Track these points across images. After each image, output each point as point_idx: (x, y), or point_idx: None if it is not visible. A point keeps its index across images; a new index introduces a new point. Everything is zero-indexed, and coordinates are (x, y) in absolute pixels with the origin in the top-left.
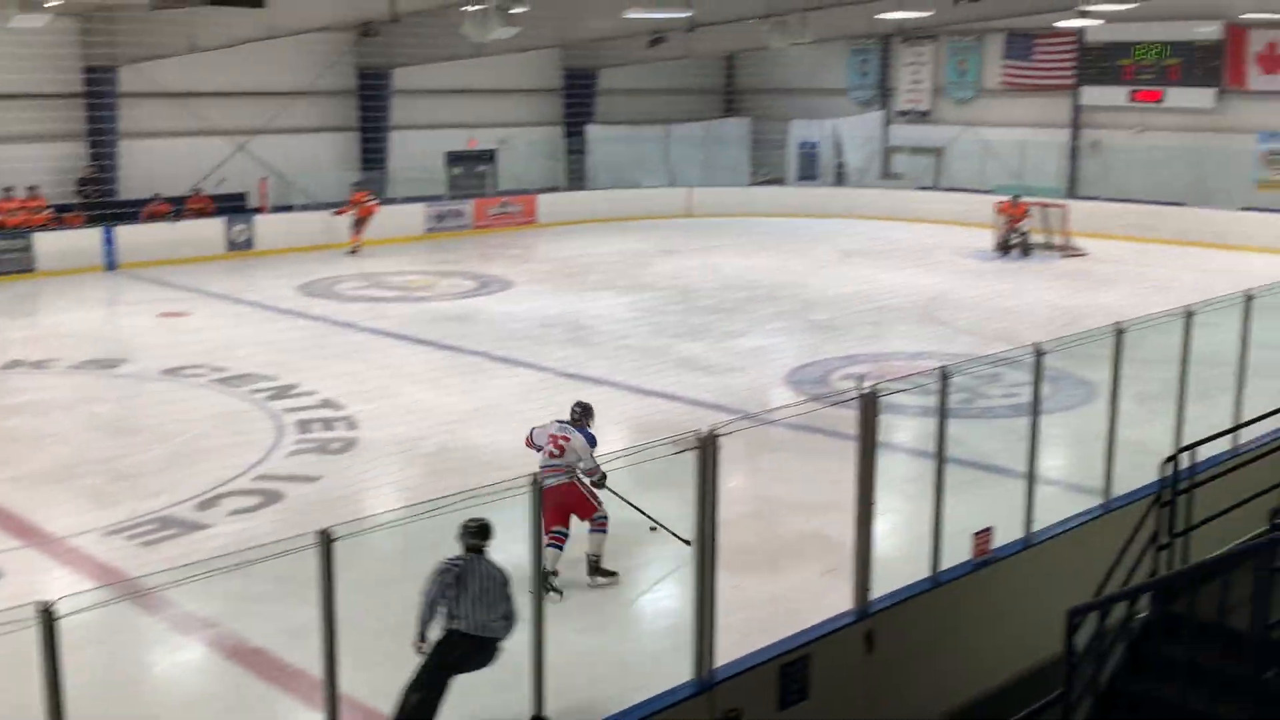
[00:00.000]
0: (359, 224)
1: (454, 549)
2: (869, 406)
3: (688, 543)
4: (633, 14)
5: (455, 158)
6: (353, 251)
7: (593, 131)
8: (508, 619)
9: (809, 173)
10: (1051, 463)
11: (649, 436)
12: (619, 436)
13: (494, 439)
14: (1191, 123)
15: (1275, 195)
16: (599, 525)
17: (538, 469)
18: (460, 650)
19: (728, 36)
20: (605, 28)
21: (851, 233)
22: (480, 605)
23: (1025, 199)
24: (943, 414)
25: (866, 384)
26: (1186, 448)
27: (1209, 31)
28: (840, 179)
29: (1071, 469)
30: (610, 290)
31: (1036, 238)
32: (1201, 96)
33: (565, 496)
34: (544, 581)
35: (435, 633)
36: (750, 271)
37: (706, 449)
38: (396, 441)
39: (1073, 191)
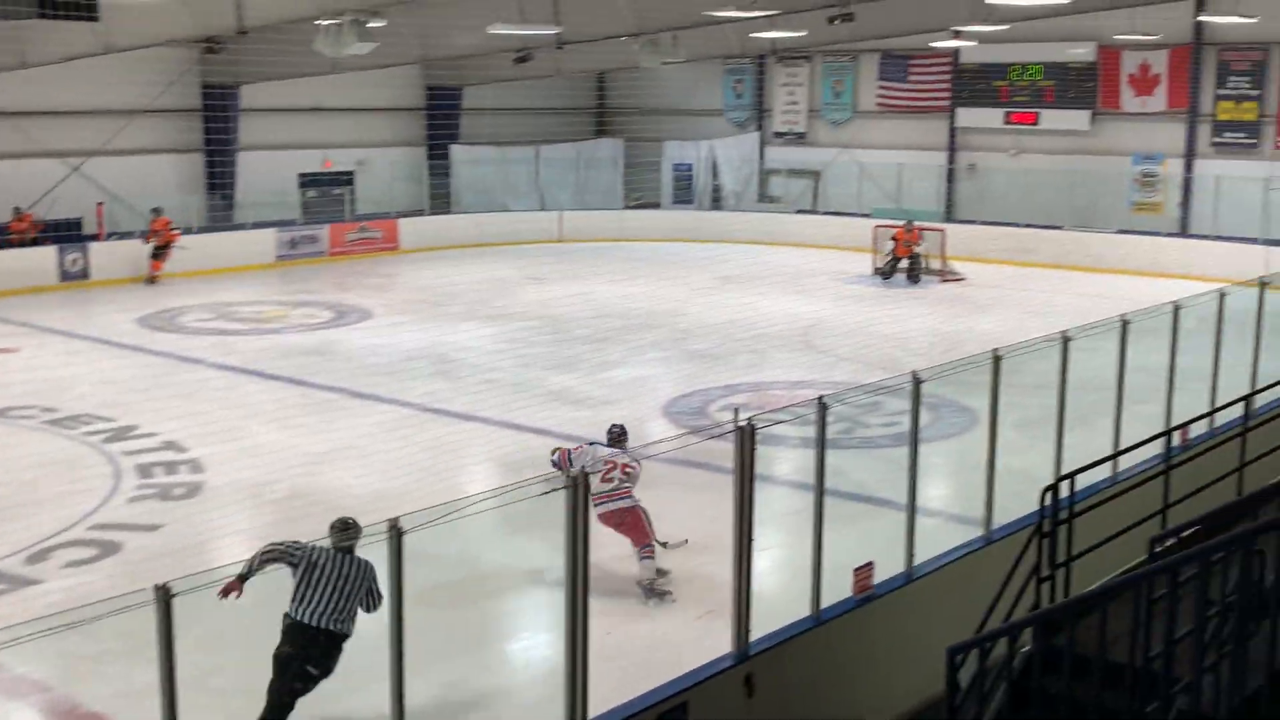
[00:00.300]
0: (159, 253)
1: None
2: (746, 439)
3: (664, 545)
4: (498, 30)
5: (309, 180)
6: (151, 281)
7: (457, 152)
8: (353, 617)
9: (684, 196)
10: (933, 493)
11: (518, 475)
12: (486, 476)
13: (351, 481)
14: (1067, 145)
15: (1150, 218)
16: (648, 554)
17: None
18: (299, 642)
19: (598, 54)
20: (469, 44)
21: (729, 258)
22: (329, 599)
23: (918, 223)
24: (821, 445)
25: (744, 415)
26: (1066, 476)
27: (1082, 53)
28: (716, 202)
29: (953, 499)
30: (477, 320)
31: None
32: (1076, 118)
33: (625, 519)
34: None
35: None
36: (624, 299)
37: (577, 488)
38: (245, 486)
39: (950, 215)
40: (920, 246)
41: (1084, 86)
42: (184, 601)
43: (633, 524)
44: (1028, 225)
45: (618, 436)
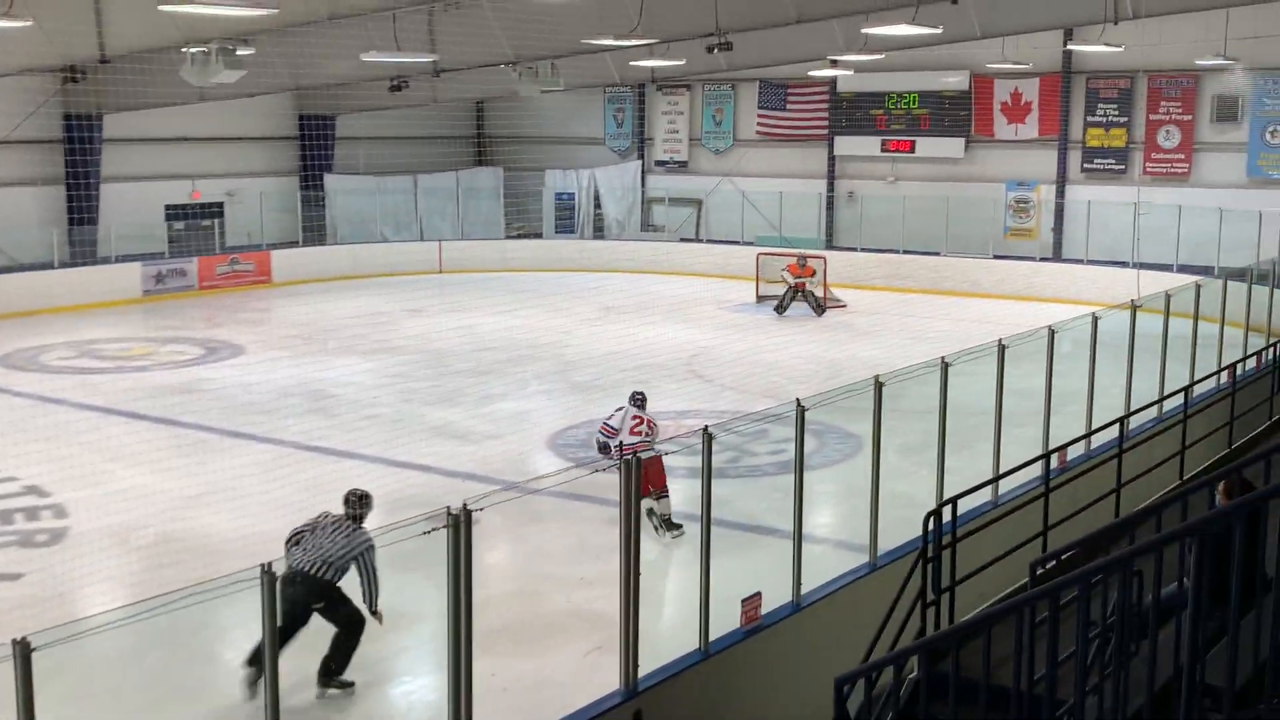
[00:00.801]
0: None
1: (181, 650)
2: (631, 472)
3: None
4: (371, 57)
5: (177, 212)
6: None
7: (332, 182)
8: (343, 573)
9: (567, 225)
10: (819, 520)
11: (400, 514)
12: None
13: (225, 524)
14: (942, 172)
15: (1024, 243)
16: (665, 494)
17: (622, 446)
18: (295, 583)
19: (475, 82)
20: (342, 71)
21: (612, 287)
22: (316, 550)
23: (808, 255)
24: (707, 475)
25: (628, 447)
26: (947, 501)
27: (956, 81)
28: (599, 231)
29: (839, 526)
30: (355, 355)
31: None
32: (951, 146)
33: (650, 468)
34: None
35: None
36: (507, 331)
37: (459, 526)
38: (112, 531)
39: (831, 242)
40: (814, 281)
41: (958, 115)
42: (47, 655)
43: (656, 471)
44: (906, 252)
45: (642, 401)
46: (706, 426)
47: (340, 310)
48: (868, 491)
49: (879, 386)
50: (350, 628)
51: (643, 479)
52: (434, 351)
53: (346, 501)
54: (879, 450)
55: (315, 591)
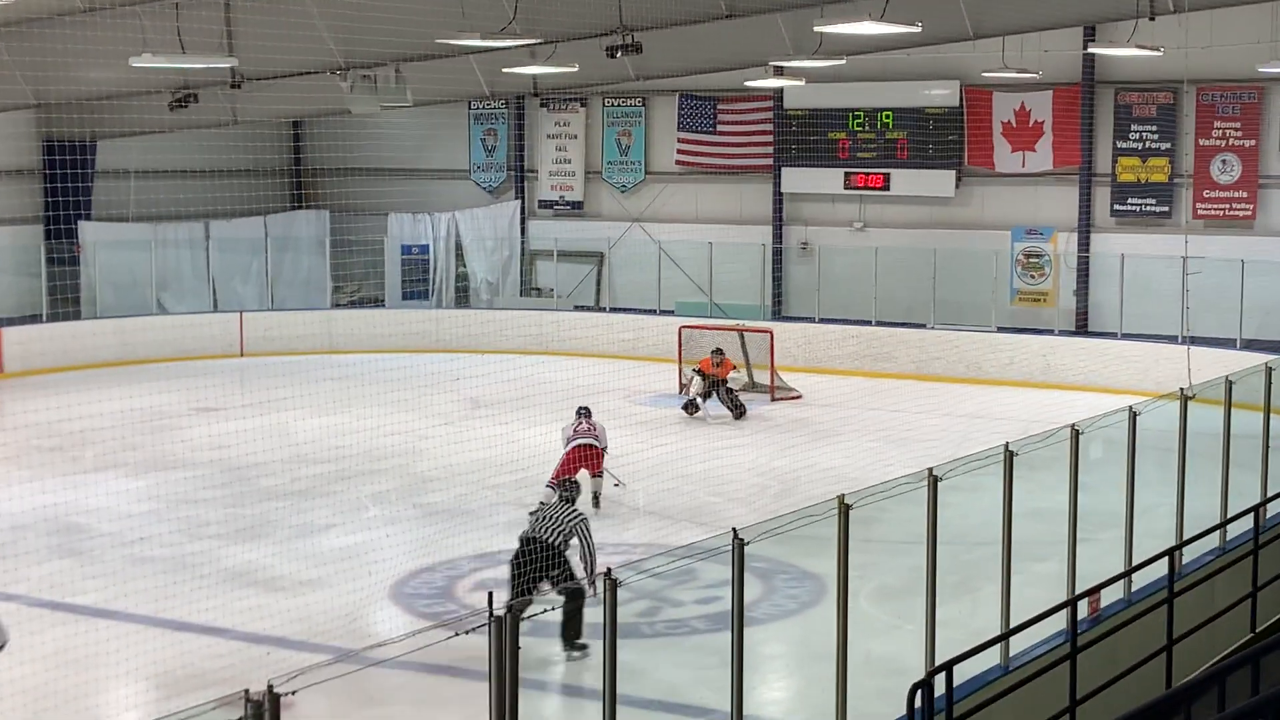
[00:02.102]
0: None
1: None
2: (506, 632)
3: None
4: (145, 62)
5: None
6: None
7: (90, 232)
8: (568, 540)
9: (418, 288)
10: (769, 695)
11: (183, 697)
12: (135, 701)
13: None
14: (927, 216)
15: (1038, 310)
16: (598, 474)
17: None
18: (530, 551)
19: (291, 96)
20: (104, 80)
21: (481, 374)
22: (546, 526)
23: (748, 329)
24: (612, 635)
25: (503, 598)
26: (941, 668)
27: (943, 95)
28: (463, 297)
29: (796, 702)
30: (119, 470)
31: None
32: (938, 181)
33: (589, 453)
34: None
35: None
36: (334, 434)
37: (262, 715)
38: None
39: (780, 310)
40: (735, 379)
41: (946, 140)
42: None
43: (595, 458)
44: (880, 323)
45: (587, 412)
46: (610, 569)
47: (101, 410)
48: (833, 655)
49: (845, 509)
50: (574, 597)
51: (576, 465)
52: (233, 466)
53: (563, 485)
54: (846, 597)
55: (550, 558)
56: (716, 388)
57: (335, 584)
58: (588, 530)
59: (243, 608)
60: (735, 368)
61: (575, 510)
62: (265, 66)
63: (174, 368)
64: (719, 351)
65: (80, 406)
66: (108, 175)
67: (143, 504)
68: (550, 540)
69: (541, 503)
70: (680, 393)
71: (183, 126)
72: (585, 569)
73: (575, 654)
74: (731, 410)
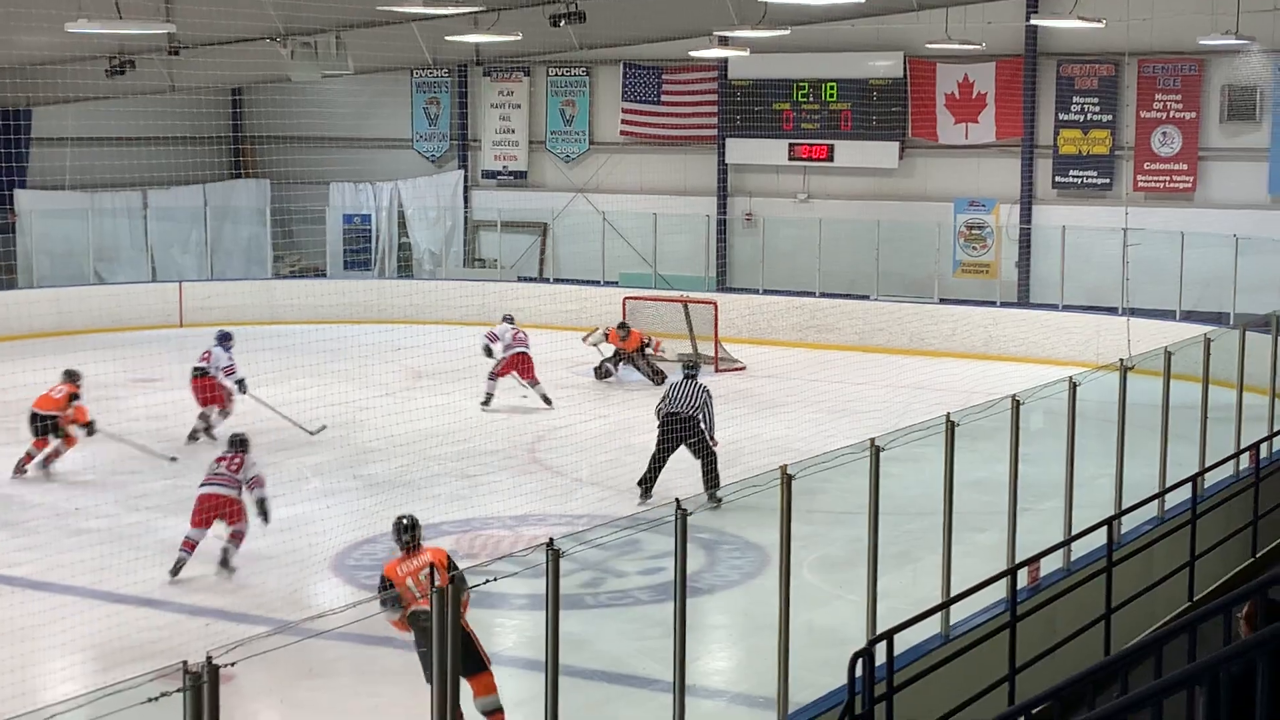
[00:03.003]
0: None
1: None
2: (447, 604)
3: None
4: (80, 28)
5: None
6: None
7: (25, 200)
8: (702, 412)
9: (360, 259)
10: (712, 665)
11: (121, 669)
12: (72, 670)
13: None
14: (871, 187)
15: (980, 282)
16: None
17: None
18: (673, 423)
19: (231, 63)
20: (41, 46)
21: (424, 345)
22: (682, 402)
23: (692, 300)
24: (554, 606)
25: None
26: (881, 636)
27: (886, 67)
28: (405, 268)
29: (738, 673)
30: (56, 443)
31: (668, 351)
32: (881, 152)
33: (526, 363)
34: None
35: None
36: (274, 405)
37: (200, 689)
38: None
39: (724, 281)
40: (651, 346)
41: (890, 112)
42: None
43: (531, 366)
44: (824, 295)
45: (512, 317)
46: (552, 539)
47: (36, 381)
48: (775, 625)
49: (788, 480)
50: (710, 456)
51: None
52: (172, 438)
53: (689, 365)
54: (789, 567)
55: (689, 427)
56: (631, 358)
57: (275, 556)
58: (711, 400)
59: (181, 579)
60: (647, 341)
61: (702, 386)
62: (204, 33)
63: (112, 338)
64: (624, 326)
65: (15, 376)
66: (44, 143)
67: (81, 475)
68: (688, 413)
69: (673, 384)
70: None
71: (120, 94)
72: (708, 434)
73: (712, 504)
74: (651, 377)
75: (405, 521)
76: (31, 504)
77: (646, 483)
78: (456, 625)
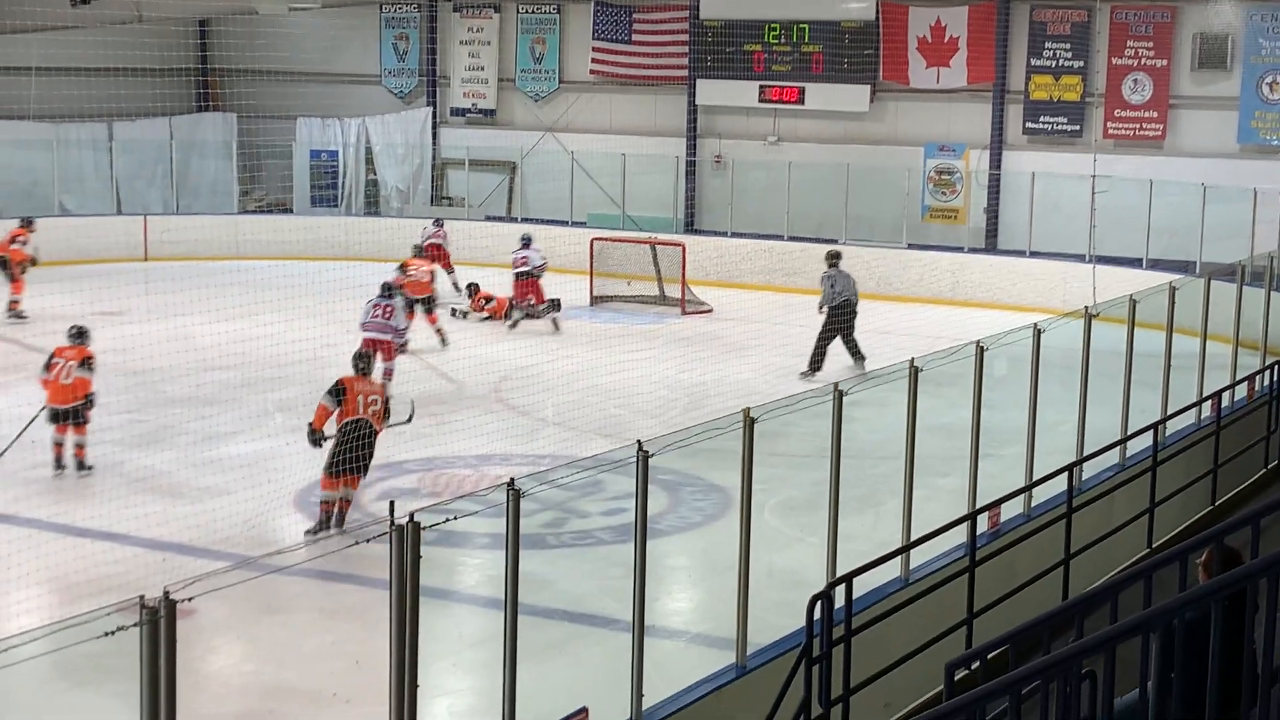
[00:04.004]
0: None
1: None
2: (408, 541)
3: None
4: None
5: None
6: None
7: None
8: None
9: (327, 195)
10: (672, 606)
11: (79, 604)
12: (33, 606)
13: None
14: (841, 131)
15: (948, 227)
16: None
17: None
18: (845, 309)
19: None
20: None
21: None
22: (849, 291)
23: (660, 242)
24: (514, 545)
25: (406, 507)
26: (841, 579)
27: (859, 9)
28: (372, 205)
29: (698, 614)
30: (18, 374)
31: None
32: (852, 95)
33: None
34: None
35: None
36: (241, 342)
37: (157, 623)
38: None
39: (692, 224)
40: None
41: (862, 55)
42: None
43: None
44: (793, 238)
45: (528, 241)
46: (513, 479)
47: None
48: (735, 567)
49: (751, 422)
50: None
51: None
52: (136, 372)
53: (835, 255)
54: (750, 510)
55: (853, 310)
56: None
57: (237, 491)
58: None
59: (142, 514)
60: (487, 303)
61: (850, 276)
62: None
63: (75, 271)
64: (473, 286)
65: None
66: (7, 72)
67: (40, 409)
68: (855, 301)
69: (832, 276)
70: (591, 304)
71: (85, 23)
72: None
73: (860, 366)
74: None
75: (365, 352)
76: None
77: (817, 365)
78: (416, 566)
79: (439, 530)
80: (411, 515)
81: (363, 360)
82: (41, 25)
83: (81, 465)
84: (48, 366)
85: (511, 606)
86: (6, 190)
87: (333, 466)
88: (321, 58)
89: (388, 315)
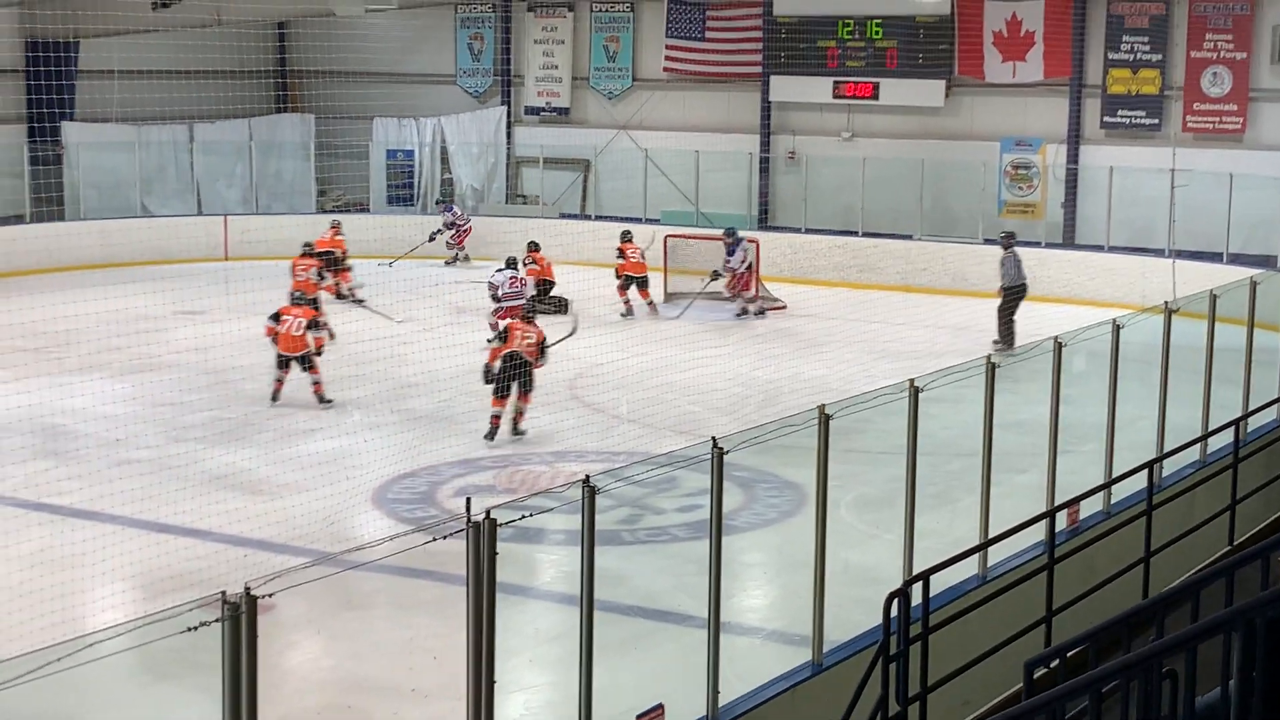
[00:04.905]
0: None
1: None
2: (484, 538)
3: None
4: None
5: None
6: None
7: (73, 133)
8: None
9: (403, 194)
10: (747, 603)
11: (162, 600)
12: (117, 601)
13: None
14: (916, 126)
15: (1025, 222)
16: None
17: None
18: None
19: None
20: None
21: (464, 280)
22: (1021, 271)
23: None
24: (590, 542)
25: (483, 504)
26: (917, 578)
27: (933, 3)
28: (447, 202)
29: (774, 611)
30: (102, 372)
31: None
32: (927, 91)
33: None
34: None
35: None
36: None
37: (240, 618)
38: None
39: (766, 220)
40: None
41: (937, 49)
42: None
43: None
44: (867, 234)
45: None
46: (589, 476)
47: (84, 312)
48: (811, 563)
49: (826, 419)
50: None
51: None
52: (216, 370)
53: (1009, 235)
54: (826, 507)
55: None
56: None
57: (316, 488)
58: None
59: (224, 510)
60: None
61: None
62: None
63: (157, 270)
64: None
65: (63, 307)
66: (91, 75)
67: (125, 406)
68: (1025, 282)
69: (1008, 257)
70: (665, 300)
71: (166, 27)
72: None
73: (1003, 347)
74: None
75: (531, 299)
76: (79, 434)
77: (1009, 340)
78: (493, 562)
79: (515, 527)
80: (488, 512)
81: (530, 305)
82: (124, 29)
83: (321, 399)
84: (277, 319)
85: (587, 602)
86: (92, 192)
87: (497, 390)
88: (397, 58)
89: (520, 285)
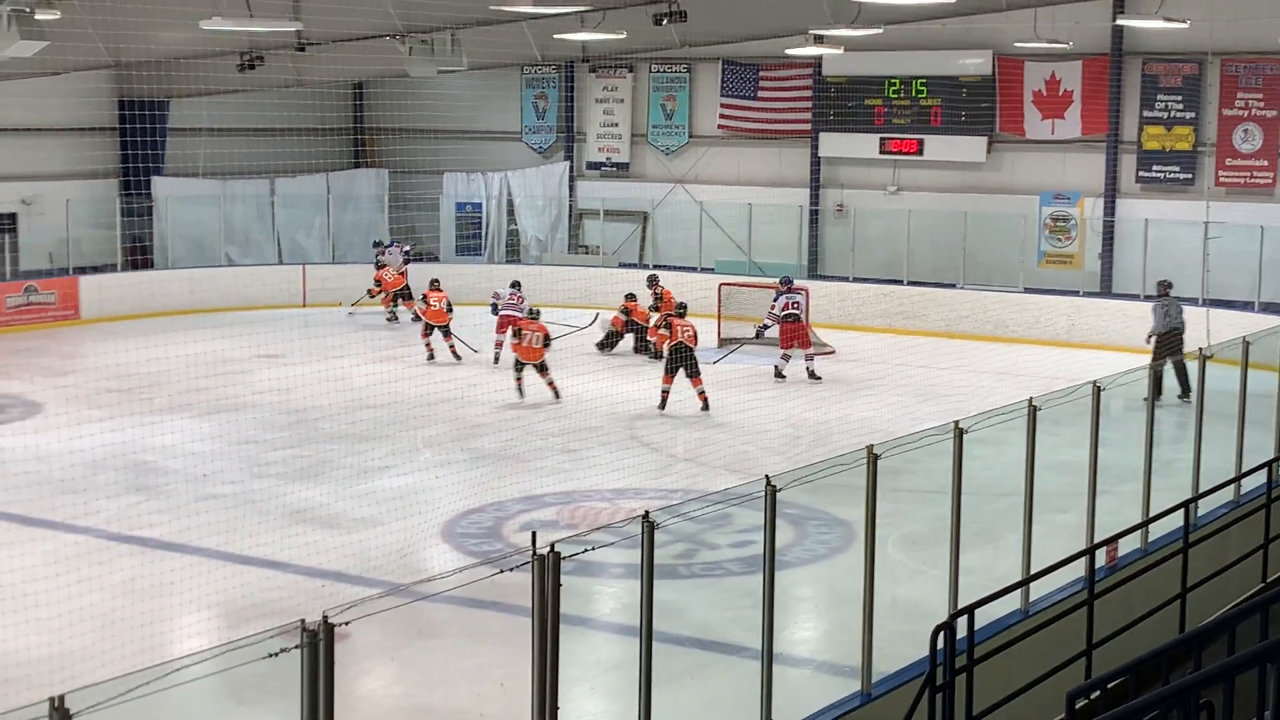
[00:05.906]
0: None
1: None
2: (548, 571)
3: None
4: (215, 25)
5: None
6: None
7: (163, 186)
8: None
9: (471, 245)
10: (798, 636)
11: (244, 627)
12: (201, 628)
13: (10, 640)
14: (959, 180)
15: (1064, 273)
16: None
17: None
18: (1175, 337)
19: (353, 59)
20: (177, 43)
21: (530, 327)
22: (1179, 315)
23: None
24: (649, 575)
25: (547, 538)
26: (962, 611)
27: (976, 64)
28: (513, 253)
29: (824, 643)
30: (188, 412)
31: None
32: (970, 147)
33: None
34: None
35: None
36: (392, 383)
37: (317, 645)
38: None
39: (815, 269)
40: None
41: (979, 107)
42: None
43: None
44: (912, 283)
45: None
46: (648, 512)
47: (171, 354)
48: (860, 598)
49: (874, 459)
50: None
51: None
52: (295, 410)
53: (1166, 284)
54: (874, 543)
55: (1181, 338)
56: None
57: (389, 522)
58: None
59: (302, 543)
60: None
61: (1180, 303)
62: (329, 30)
63: (240, 316)
64: (632, 296)
65: (151, 351)
66: (180, 133)
67: (209, 444)
68: (1180, 328)
69: (1165, 304)
70: (719, 345)
71: (250, 87)
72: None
73: (1184, 399)
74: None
75: (679, 304)
76: (166, 470)
77: (1157, 390)
78: (556, 594)
79: (577, 560)
80: (552, 546)
81: (681, 307)
82: (211, 89)
83: (557, 395)
84: (518, 335)
85: (646, 633)
86: (180, 243)
87: (667, 368)
88: (467, 116)
89: (519, 301)
